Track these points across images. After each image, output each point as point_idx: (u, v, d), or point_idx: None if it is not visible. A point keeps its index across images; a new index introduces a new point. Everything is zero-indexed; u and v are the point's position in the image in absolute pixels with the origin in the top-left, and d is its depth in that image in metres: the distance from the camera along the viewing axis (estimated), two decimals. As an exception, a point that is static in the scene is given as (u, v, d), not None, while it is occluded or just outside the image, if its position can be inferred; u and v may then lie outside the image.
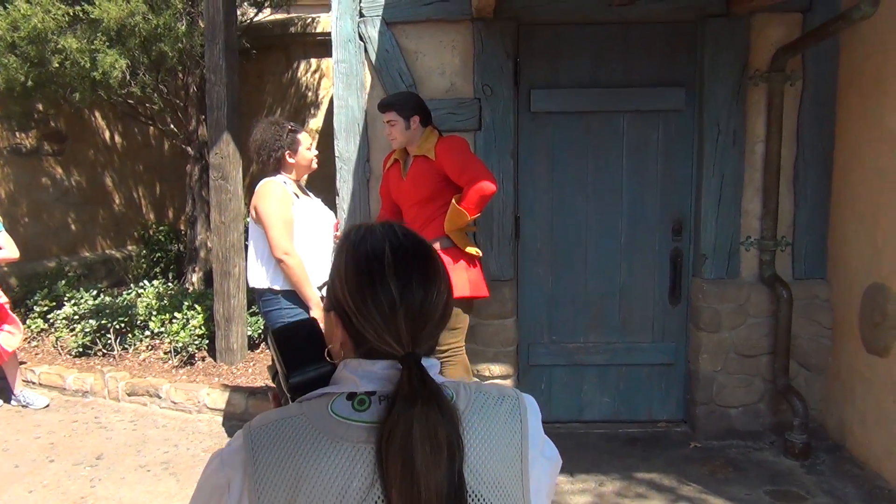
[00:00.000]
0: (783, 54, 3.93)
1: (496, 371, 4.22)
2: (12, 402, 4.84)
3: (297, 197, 3.58)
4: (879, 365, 3.66)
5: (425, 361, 1.05)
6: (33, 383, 5.16)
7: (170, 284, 6.44)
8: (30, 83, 5.15)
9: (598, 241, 4.30)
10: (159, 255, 7.74)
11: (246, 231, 4.59)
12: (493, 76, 4.06)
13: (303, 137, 3.69)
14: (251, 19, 7.09)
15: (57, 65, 5.02)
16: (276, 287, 3.55)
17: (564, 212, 4.28)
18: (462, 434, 0.99)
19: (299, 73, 7.90)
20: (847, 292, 3.97)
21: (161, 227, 7.97)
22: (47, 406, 4.85)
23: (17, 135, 7.04)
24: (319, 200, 3.88)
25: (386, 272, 1.04)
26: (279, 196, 3.49)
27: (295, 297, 3.53)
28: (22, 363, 5.39)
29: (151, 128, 7.55)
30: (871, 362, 3.72)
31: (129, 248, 8.16)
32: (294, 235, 3.52)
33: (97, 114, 7.76)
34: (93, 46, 4.92)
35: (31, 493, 3.72)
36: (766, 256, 4.11)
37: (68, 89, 5.47)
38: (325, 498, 0.95)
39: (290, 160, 3.64)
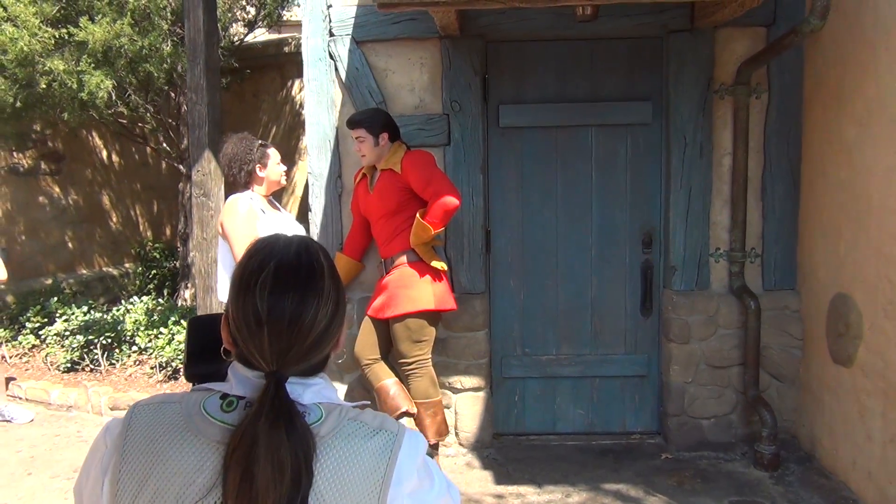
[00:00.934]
0: (746, 68, 3.97)
1: (468, 384, 4.25)
2: (-2, 418, 4.94)
3: (264, 212, 3.65)
4: (845, 375, 3.66)
5: (305, 381, 1.08)
6: (20, 398, 5.25)
7: (160, 301, 6.52)
8: (18, 104, 5.28)
9: (568, 253, 4.34)
10: (155, 272, 7.85)
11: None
12: (461, 92, 4.13)
13: (272, 152, 3.77)
14: (241, 39, 7.21)
15: (44, 86, 5.15)
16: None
17: (535, 225, 4.33)
18: (313, 459, 0.99)
19: (293, 92, 8.02)
20: (815, 303, 3.98)
21: (157, 245, 8.08)
22: (32, 420, 4.93)
23: (15, 154, 7.20)
24: (291, 215, 3.95)
25: (259, 287, 1.05)
26: (244, 212, 3.56)
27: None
28: (12, 379, 5.49)
29: (149, 147, 7.68)
30: (837, 373, 3.73)
31: (127, 265, 8.28)
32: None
33: (94, 134, 7.91)
34: (78, 68, 5.04)
35: (5, 505, 3.80)
36: (735, 268, 4.14)
37: (58, 110, 5.59)
38: (170, 485, 0.99)
39: (261, 174, 3.71)
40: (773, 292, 4.17)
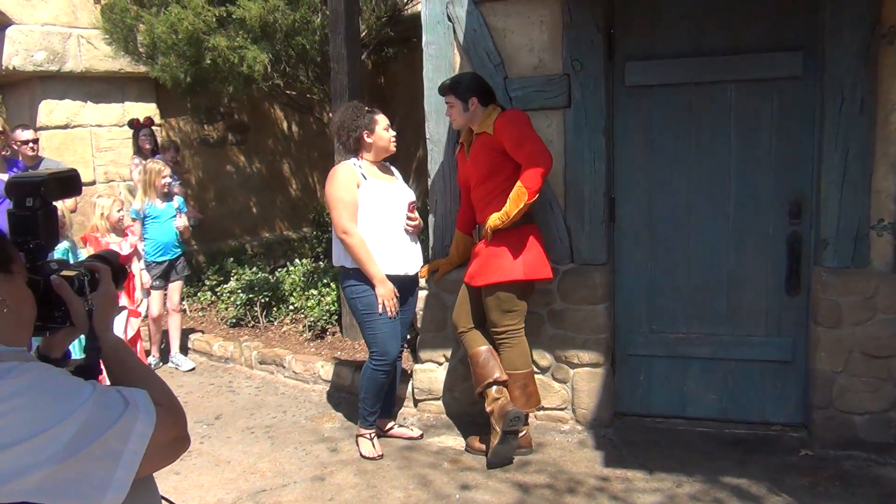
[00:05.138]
0: (921, 6, 3.35)
1: (585, 358, 4.04)
2: (170, 364, 5.47)
3: (366, 178, 3.68)
4: None
5: None
6: (189, 348, 5.78)
7: (320, 263, 6.86)
8: (188, 80, 5.75)
9: (702, 224, 3.95)
10: (328, 236, 8.28)
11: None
12: (582, 50, 3.88)
13: (380, 118, 3.79)
14: (404, 6, 7.29)
15: (209, 62, 5.55)
16: (347, 265, 3.69)
17: (664, 193, 3.99)
18: None
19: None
20: None
21: (331, 211, 8.50)
22: (193, 369, 5.42)
23: (206, 127, 7.88)
24: (401, 181, 3.95)
25: None
26: (343, 178, 3.64)
27: (363, 275, 3.65)
28: (193, 330, 6.07)
29: (326, 117, 8.07)
30: None
31: (305, 229, 8.80)
32: (362, 216, 3.63)
33: (276, 106, 8.44)
34: (236, 43, 5.37)
35: (149, 442, 4.19)
36: (901, 243, 3.55)
37: (225, 84, 6.02)
38: None
39: (368, 140, 3.76)
40: (950, 273, 3.53)
